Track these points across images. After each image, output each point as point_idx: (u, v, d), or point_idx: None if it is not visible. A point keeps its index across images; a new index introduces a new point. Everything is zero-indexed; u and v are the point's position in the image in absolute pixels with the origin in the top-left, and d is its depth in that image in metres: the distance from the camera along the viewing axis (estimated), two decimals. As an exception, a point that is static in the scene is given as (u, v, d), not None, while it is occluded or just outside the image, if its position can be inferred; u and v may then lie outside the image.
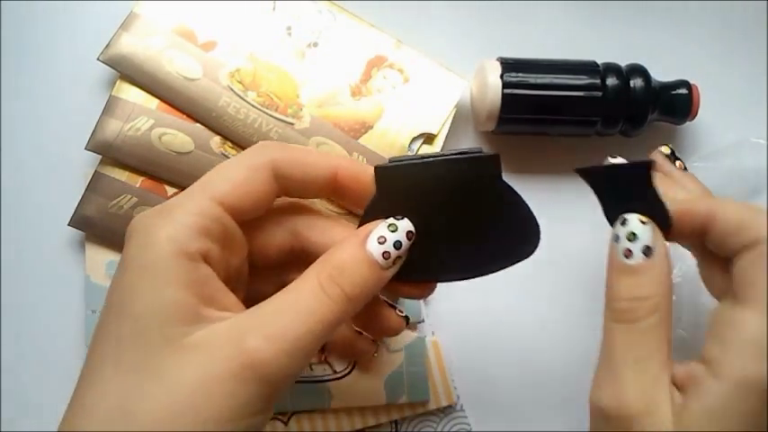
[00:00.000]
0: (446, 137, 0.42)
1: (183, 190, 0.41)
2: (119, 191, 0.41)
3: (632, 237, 0.31)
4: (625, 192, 0.32)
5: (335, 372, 0.41)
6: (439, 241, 0.30)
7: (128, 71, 0.41)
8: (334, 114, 0.41)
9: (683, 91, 0.42)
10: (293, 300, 0.28)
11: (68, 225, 0.41)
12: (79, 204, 0.41)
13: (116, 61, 0.41)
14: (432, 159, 0.29)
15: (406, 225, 0.29)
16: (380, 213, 0.30)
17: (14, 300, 0.42)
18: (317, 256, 0.29)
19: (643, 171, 0.32)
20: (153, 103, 0.41)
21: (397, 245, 0.29)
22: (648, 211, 0.32)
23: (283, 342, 0.26)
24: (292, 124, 0.41)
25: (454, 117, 0.42)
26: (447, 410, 0.42)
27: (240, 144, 0.41)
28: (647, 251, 0.31)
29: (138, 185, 0.41)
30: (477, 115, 0.43)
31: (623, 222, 0.31)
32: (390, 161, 0.30)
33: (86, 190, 0.41)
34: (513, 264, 0.31)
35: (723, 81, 0.45)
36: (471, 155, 0.29)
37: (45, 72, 0.43)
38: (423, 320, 0.42)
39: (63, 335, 0.42)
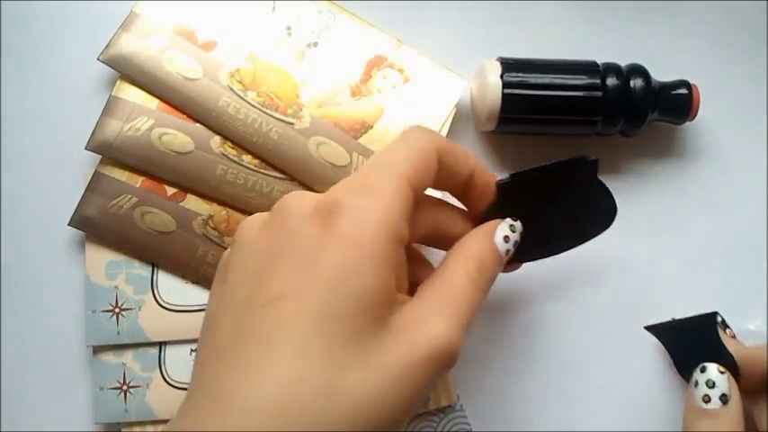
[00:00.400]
0: (446, 137, 0.42)
1: (183, 190, 0.41)
2: (119, 191, 0.41)
3: (711, 384, 0.35)
4: (693, 343, 0.37)
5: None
6: (539, 230, 0.34)
7: (128, 71, 0.41)
8: (335, 114, 0.41)
9: (683, 91, 0.42)
10: (449, 289, 0.29)
11: (68, 225, 0.41)
12: (79, 204, 0.41)
13: (116, 61, 0.41)
14: (547, 170, 0.33)
15: (520, 227, 0.33)
16: (498, 215, 0.34)
17: (14, 300, 0.42)
18: (448, 246, 0.32)
19: (710, 322, 0.37)
20: (153, 103, 0.41)
21: (515, 244, 0.33)
22: (717, 360, 0.36)
23: (456, 330, 0.28)
24: (292, 124, 0.41)
25: (454, 117, 0.42)
26: (447, 410, 0.42)
27: (240, 144, 0.41)
28: (724, 398, 0.35)
29: (138, 185, 0.41)
30: (478, 115, 0.43)
31: (702, 370, 0.36)
32: (511, 176, 0.33)
33: (86, 190, 0.41)
34: (593, 238, 0.37)
35: (723, 81, 0.45)
36: (579, 161, 0.33)
37: (45, 72, 0.43)
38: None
39: (63, 335, 0.42)
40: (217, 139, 0.41)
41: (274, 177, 0.41)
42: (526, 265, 0.36)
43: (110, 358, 0.41)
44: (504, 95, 0.40)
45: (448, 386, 0.42)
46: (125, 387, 0.40)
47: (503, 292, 0.43)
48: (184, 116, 0.41)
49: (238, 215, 0.41)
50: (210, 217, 0.41)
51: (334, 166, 0.41)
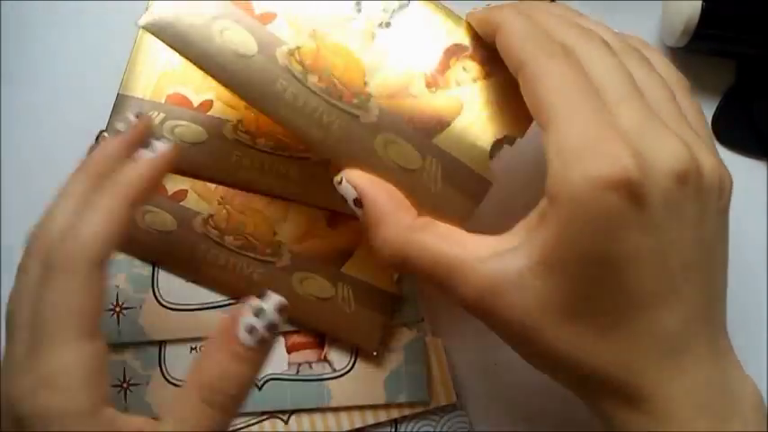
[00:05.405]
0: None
1: (199, 179, 0.40)
2: (120, 190, 0.38)
3: None
4: None
5: (335, 370, 0.41)
6: None
7: (169, 40, 0.34)
8: (407, 107, 0.35)
9: None
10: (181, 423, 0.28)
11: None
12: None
13: (158, 27, 0.34)
14: None
15: (271, 307, 0.29)
16: None
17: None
18: None
19: None
20: (162, 96, 0.40)
21: (269, 327, 0.29)
22: None
23: None
24: (358, 117, 0.35)
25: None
26: (447, 409, 0.41)
27: (295, 135, 0.35)
28: None
29: (137, 185, 0.38)
30: (670, 25, 0.39)
31: None
32: None
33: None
34: None
35: None
36: None
37: (46, 72, 0.43)
38: (422, 319, 0.41)
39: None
40: (229, 126, 0.40)
41: (291, 158, 0.40)
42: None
43: (110, 356, 0.38)
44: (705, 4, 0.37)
45: (448, 386, 0.41)
46: (125, 385, 0.41)
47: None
48: (195, 107, 0.40)
49: (239, 214, 0.40)
50: (211, 216, 0.41)
51: (403, 169, 0.35)
